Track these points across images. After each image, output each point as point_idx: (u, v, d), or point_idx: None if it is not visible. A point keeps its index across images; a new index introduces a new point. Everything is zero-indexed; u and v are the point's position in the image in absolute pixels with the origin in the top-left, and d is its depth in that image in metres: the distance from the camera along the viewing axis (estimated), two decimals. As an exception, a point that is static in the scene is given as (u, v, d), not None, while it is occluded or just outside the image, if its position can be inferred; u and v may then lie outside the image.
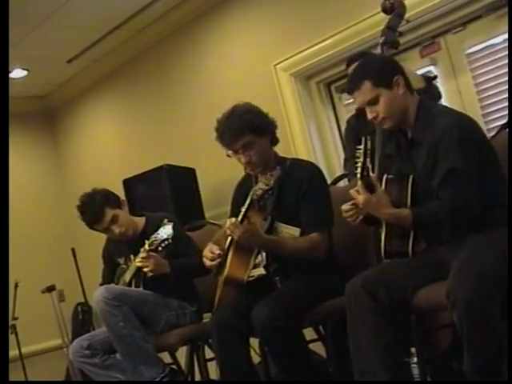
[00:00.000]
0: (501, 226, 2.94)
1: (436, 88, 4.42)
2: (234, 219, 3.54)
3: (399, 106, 3.12)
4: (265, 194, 3.59)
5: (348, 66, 4.67)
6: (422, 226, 3.03)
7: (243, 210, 3.56)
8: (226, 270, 3.60)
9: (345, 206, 3.20)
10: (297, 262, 3.58)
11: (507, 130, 3.55)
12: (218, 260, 3.67)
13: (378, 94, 3.10)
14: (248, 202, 3.55)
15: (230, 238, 3.63)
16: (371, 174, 3.08)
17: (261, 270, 3.61)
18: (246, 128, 3.58)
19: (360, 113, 4.67)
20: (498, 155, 3.10)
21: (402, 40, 4.07)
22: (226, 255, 3.64)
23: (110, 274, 4.55)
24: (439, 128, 3.02)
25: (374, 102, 3.11)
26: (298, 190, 3.63)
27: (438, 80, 5.05)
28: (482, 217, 2.95)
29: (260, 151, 3.63)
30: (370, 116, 3.16)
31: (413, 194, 3.07)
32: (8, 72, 6.42)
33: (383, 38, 3.85)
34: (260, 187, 3.54)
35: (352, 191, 3.08)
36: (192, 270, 4.28)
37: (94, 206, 4.33)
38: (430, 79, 4.32)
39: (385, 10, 3.91)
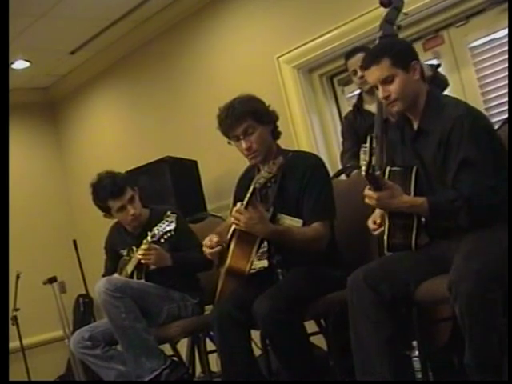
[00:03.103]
0: (503, 221, 2.93)
1: (442, 76, 4.43)
2: (239, 205, 3.54)
3: (412, 90, 3.11)
4: (267, 182, 3.58)
5: (347, 59, 4.70)
6: (439, 214, 2.98)
7: (247, 197, 3.53)
8: (228, 261, 3.60)
9: (371, 224, 3.22)
10: (300, 254, 3.58)
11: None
12: (218, 248, 3.67)
13: (395, 74, 3.09)
14: (251, 190, 3.55)
15: (232, 228, 3.63)
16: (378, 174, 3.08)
17: (263, 263, 3.62)
18: (248, 113, 3.61)
19: (357, 109, 4.75)
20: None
21: (405, 33, 4.07)
22: (229, 246, 3.64)
23: (113, 265, 4.54)
24: (451, 117, 3.02)
25: (388, 81, 3.10)
26: (300, 180, 3.63)
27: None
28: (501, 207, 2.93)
29: (261, 138, 3.64)
30: (381, 95, 3.14)
31: (416, 186, 3.07)
32: (8, 63, 6.40)
33: (381, 32, 3.85)
34: (263, 175, 3.53)
35: (366, 193, 3.06)
36: (194, 265, 4.29)
37: (117, 180, 4.31)
38: (435, 68, 4.33)
39: (383, 4, 3.92)
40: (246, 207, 3.51)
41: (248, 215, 3.48)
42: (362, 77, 4.50)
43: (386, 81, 3.10)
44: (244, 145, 3.63)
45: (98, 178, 4.35)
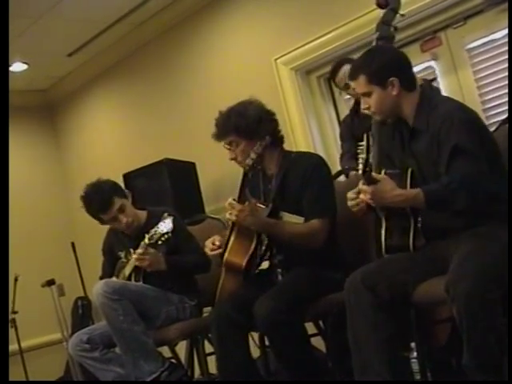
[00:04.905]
0: (501, 220, 2.93)
1: (436, 89, 4.45)
2: (230, 199, 3.58)
3: (390, 105, 3.16)
4: (254, 163, 3.63)
5: (333, 78, 4.75)
6: (436, 202, 2.96)
7: (238, 187, 3.60)
8: (226, 255, 3.65)
9: (350, 194, 3.19)
10: (301, 255, 3.60)
11: (507, 125, 3.54)
12: (219, 250, 3.69)
13: (371, 91, 3.15)
14: (242, 177, 3.60)
15: (231, 223, 3.66)
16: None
17: (263, 264, 3.64)
18: (230, 129, 3.69)
19: (355, 112, 4.77)
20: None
21: (403, 34, 4.08)
22: (228, 240, 3.67)
23: (110, 267, 4.54)
24: (440, 114, 3.04)
25: (367, 95, 3.17)
26: (301, 178, 3.66)
27: (438, 75, 5.07)
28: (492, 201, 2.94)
29: (245, 152, 3.68)
30: (363, 106, 3.23)
31: (412, 187, 3.07)
32: (8, 66, 6.41)
33: (378, 33, 3.86)
34: (251, 157, 3.62)
35: (360, 187, 3.06)
36: (189, 268, 4.31)
37: (103, 194, 4.29)
38: (429, 82, 4.34)
39: (379, 5, 3.94)
40: (238, 198, 3.56)
41: (239, 207, 3.52)
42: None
43: (365, 95, 3.19)
44: (229, 155, 3.75)
45: (85, 192, 4.36)
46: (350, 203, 3.20)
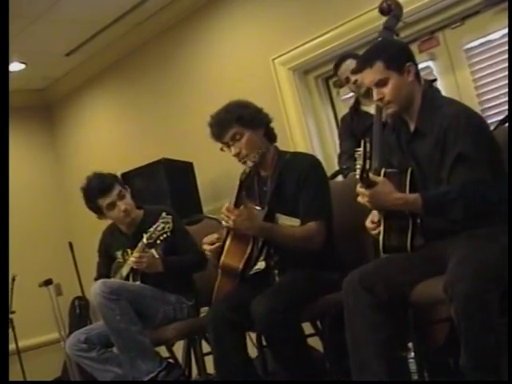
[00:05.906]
0: (501, 221, 2.93)
1: (437, 90, 4.45)
2: (227, 204, 3.57)
3: (406, 92, 3.12)
4: (252, 171, 3.64)
5: (336, 70, 4.75)
6: (433, 209, 2.97)
7: (235, 193, 3.59)
8: (222, 257, 3.64)
9: (369, 224, 3.21)
10: (298, 256, 3.59)
11: (506, 125, 3.55)
12: (217, 244, 3.69)
13: (388, 77, 3.10)
14: (238, 184, 3.59)
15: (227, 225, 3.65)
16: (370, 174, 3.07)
17: (260, 265, 3.64)
18: (233, 119, 3.65)
19: (354, 110, 4.77)
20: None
21: (400, 35, 4.09)
22: (224, 243, 3.67)
23: (106, 268, 4.53)
24: (446, 116, 3.02)
25: (382, 83, 3.12)
26: (297, 180, 3.65)
27: (436, 75, 5.07)
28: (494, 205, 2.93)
29: (250, 143, 3.66)
30: (375, 97, 3.16)
31: (411, 188, 3.07)
32: (8, 66, 6.41)
33: (381, 39, 3.88)
34: (248, 165, 3.62)
35: (358, 190, 3.06)
36: (187, 267, 4.31)
37: (105, 179, 4.32)
38: (430, 82, 4.35)
39: (382, 12, 3.97)
40: (235, 204, 3.55)
41: (236, 212, 3.52)
42: (355, 81, 4.57)
43: (380, 83, 3.12)
44: (233, 151, 3.68)
45: (86, 180, 4.38)
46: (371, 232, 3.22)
